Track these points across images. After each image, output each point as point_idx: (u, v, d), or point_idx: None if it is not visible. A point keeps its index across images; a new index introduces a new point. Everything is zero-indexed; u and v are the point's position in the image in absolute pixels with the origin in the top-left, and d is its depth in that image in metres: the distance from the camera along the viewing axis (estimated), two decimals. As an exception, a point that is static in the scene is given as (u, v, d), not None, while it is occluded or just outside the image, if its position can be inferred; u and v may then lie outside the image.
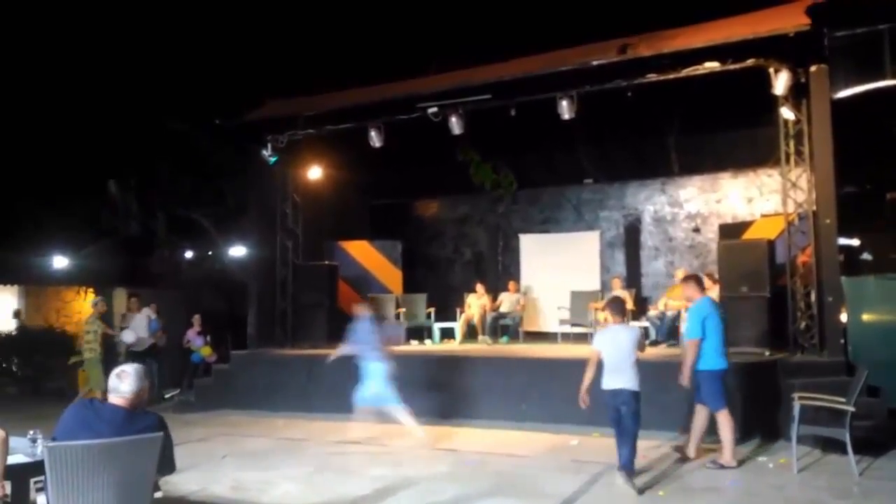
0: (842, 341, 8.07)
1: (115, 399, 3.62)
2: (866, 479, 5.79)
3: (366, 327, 7.80)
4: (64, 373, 12.09)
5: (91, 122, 15.21)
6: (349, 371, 9.79)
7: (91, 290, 15.57)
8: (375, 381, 7.56)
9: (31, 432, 4.03)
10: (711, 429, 6.47)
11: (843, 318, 8.20)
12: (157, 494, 4.01)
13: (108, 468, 3.36)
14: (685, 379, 6.25)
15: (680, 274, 10.85)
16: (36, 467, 3.71)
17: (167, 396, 11.01)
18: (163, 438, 3.60)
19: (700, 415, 6.47)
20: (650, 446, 7.07)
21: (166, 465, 3.70)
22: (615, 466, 6.30)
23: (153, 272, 16.27)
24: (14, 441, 3.99)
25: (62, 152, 15.28)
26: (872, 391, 7.22)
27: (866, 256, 12.67)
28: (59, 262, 15.58)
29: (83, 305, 15.79)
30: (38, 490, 3.74)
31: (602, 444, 7.25)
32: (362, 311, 7.99)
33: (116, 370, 3.72)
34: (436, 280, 13.75)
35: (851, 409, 5.84)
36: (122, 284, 15.18)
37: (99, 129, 15.25)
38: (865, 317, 8.21)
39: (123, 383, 3.62)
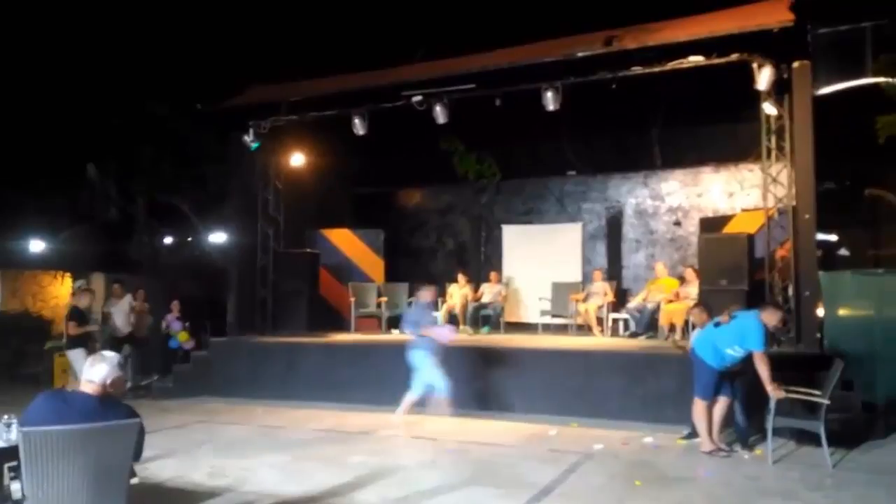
0: (818, 335, 8.18)
1: (86, 387, 3.60)
2: (839, 471, 5.88)
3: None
4: (40, 358, 11.95)
5: (70, 105, 14.97)
6: (327, 360, 9.86)
7: (69, 274, 15.37)
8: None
9: (6, 417, 3.97)
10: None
11: (820, 312, 8.32)
12: (134, 480, 3.98)
13: (84, 454, 3.33)
14: (774, 390, 6.06)
15: (660, 267, 10.93)
16: (10, 453, 3.65)
17: (143, 384, 10.90)
18: (139, 425, 3.58)
19: (719, 405, 6.46)
20: (629, 436, 7.15)
21: (136, 452, 3.69)
22: (592, 456, 6.39)
23: (132, 257, 16.09)
24: (-13, 426, 3.93)
25: (40, 135, 15.02)
26: (847, 384, 7.33)
27: (844, 252, 12.85)
28: (36, 246, 15.35)
29: (60, 290, 15.59)
30: (13, 477, 3.69)
31: (580, 435, 7.32)
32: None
33: (91, 357, 3.71)
34: (418, 269, 13.70)
35: (826, 401, 5.92)
36: (101, 269, 15.00)
37: (78, 111, 15.00)
38: (842, 311, 8.32)
39: (95, 371, 3.61)
